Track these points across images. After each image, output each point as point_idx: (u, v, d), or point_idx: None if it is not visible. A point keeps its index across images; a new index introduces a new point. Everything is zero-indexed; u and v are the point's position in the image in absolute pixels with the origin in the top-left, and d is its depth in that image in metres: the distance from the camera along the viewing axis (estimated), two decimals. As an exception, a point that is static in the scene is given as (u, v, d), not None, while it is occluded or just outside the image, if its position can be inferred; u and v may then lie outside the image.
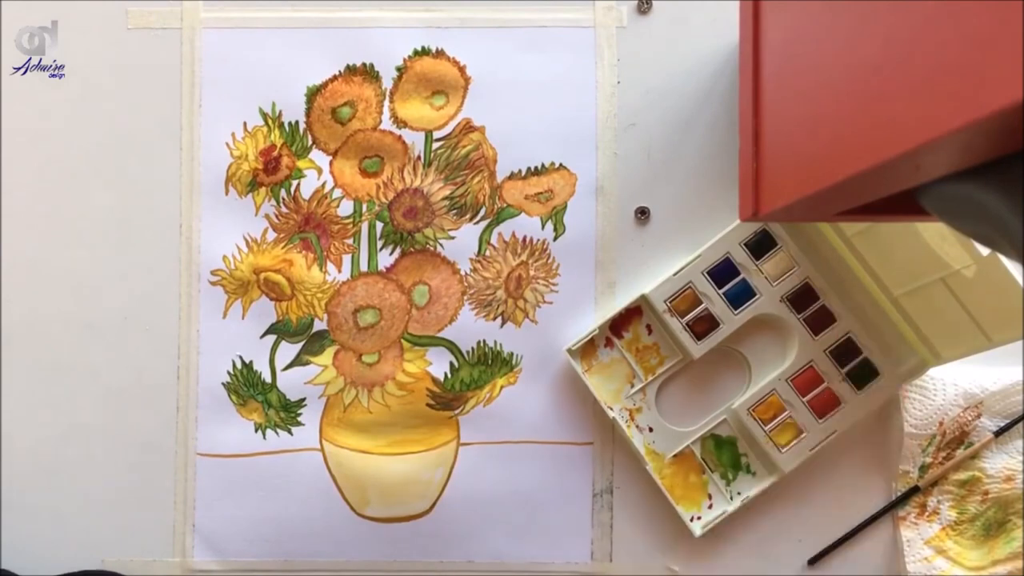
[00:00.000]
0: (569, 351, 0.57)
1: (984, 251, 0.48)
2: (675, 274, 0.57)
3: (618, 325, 0.58)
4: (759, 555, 0.59)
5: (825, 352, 0.57)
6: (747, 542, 0.59)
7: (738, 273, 0.57)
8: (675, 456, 0.58)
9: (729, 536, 0.58)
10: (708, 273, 0.57)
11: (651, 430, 0.58)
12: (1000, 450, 0.58)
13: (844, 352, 0.57)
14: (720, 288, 0.57)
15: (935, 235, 0.51)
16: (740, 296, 0.57)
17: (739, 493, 0.58)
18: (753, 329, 0.58)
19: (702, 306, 0.57)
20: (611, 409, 0.57)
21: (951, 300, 0.52)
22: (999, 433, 0.57)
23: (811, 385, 0.57)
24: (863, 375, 0.57)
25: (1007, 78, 0.22)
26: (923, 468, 0.58)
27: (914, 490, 0.58)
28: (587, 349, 0.58)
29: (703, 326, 0.57)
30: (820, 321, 0.57)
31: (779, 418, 0.57)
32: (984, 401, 0.57)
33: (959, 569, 0.58)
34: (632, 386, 0.58)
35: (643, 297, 0.57)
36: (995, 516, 0.58)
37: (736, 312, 0.57)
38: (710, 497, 0.58)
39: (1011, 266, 0.49)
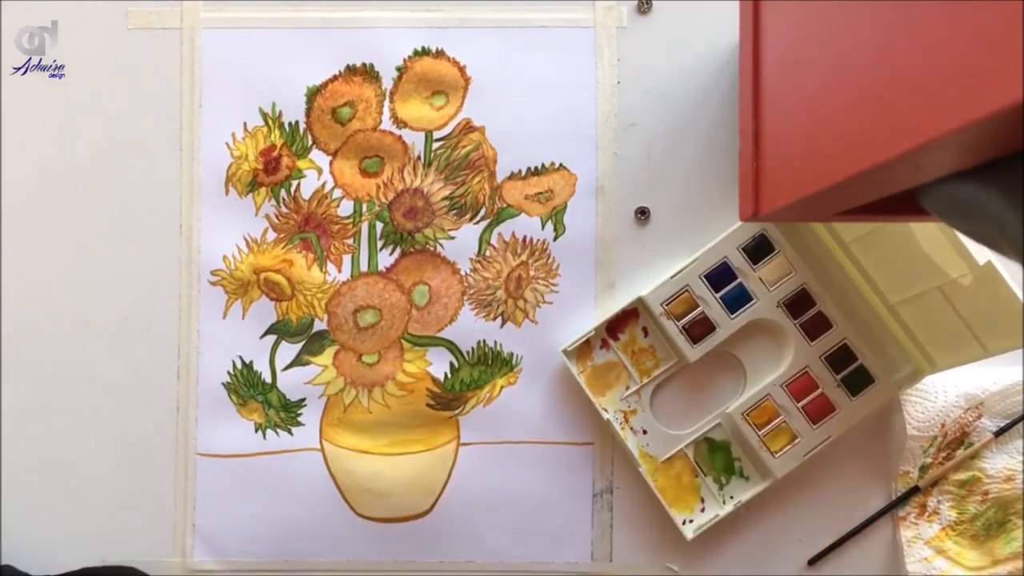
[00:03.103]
0: (565, 352, 0.57)
1: (981, 260, 0.48)
2: (672, 277, 0.57)
3: (614, 327, 0.58)
4: (759, 555, 0.59)
5: (820, 358, 0.57)
6: (747, 542, 0.59)
7: (735, 277, 0.57)
8: (669, 459, 0.58)
9: (729, 536, 0.58)
10: (705, 277, 0.57)
11: (645, 432, 0.58)
12: (1000, 450, 0.58)
13: (839, 358, 0.57)
14: (717, 292, 0.57)
15: (932, 243, 0.51)
16: (737, 300, 0.57)
17: (732, 497, 0.58)
18: (749, 333, 0.58)
19: (699, 309, 0.57)
20: (606, 411, 0.57)
21: (947, 309, 0.52)
22: (999, 433, 0.57)
23: (806, 391, 0.57)
24: (858, 382, 0.57)
25: (1007, 78, 0.22)
26: (923, 468, 0.58)
27: (914, 490, 0.58)
28: (583, 350, 0.58)
29: (699, 329, 0.57)
30: (816, 327, 0.57)
31: (773, 423, 0.57)
32: (984, 402, 0.57)
33: (959, 569, 0.58)
34: (627, 388, 0.58)
35: (640, 299, 0.57)
36: (995, 516, 0.58)
37: (732, 316, 0.57)
38: (702, 500, 0.58)
39: (1009, 271, 0.49)
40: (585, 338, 0.57)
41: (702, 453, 0.58)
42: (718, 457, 0.58)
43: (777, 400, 0.57)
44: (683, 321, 0.57)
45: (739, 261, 0.57)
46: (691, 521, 0.57)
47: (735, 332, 0.57)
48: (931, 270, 0.51)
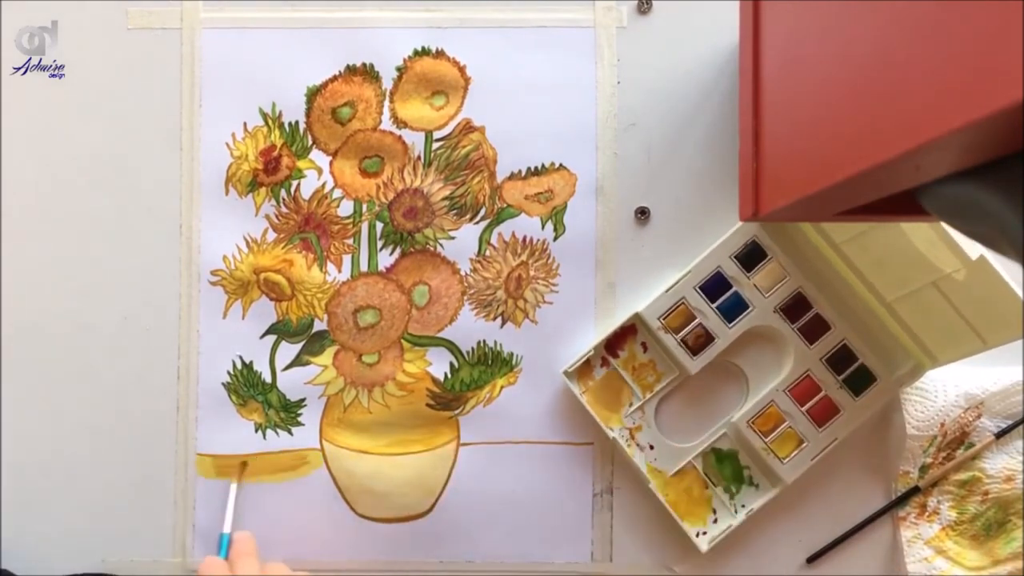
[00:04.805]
0: (566, 373, 0.57)
1: (974, 255, 0.48)
2: (667, 291, 0.57)
3: (613, 344, 0.58)
4: (759, 553, 0.59)
5: (821, 360, 0.57)
6: (748, 542, 0.59)
7: (730, 286, 0.57)
8: (677, 472, 0.58)
9: (730, 536, 0.58)
10: (700, 288, 0.57)
11: (652, 448, 0.58)
12: (1000, 450, 0.58)
13: (840, 359, 0.57)
14: (713, 302, 0.57)
15: (924, 240, 0.51)
16: (733, 309, 0.57)
17: (743, 506, 0.58)
18: (748, 341, 0.58)
19: (696, 321, 0.57)
20: (612, 429, 0.57)
21: (944, 304, 0.52)
22: (1000, 435, 0.57)
23: (809, 394, 0.57)
24: (860, 381, 0.57)
25: (1007, 78, 0.22)
26: (923, 468, 0.58)
27: (914, 490, 0.58)
28: (583, 369, 0.58)
29: (698, 341, 0.57)
30: (814, 330, 0.57)
31: (779, 429, 0.57)
32: (984, 401, 0.57)
33: (959, 569, 0.58)
34: (631, 405, 0.58)
35: (637, 315, 0.57)
36: (995, 516, 0.58)
37: (730, 325, 0.57)
38: (714, 511, 0.58)
39: (1004, 268, 0.49)
40: (585, 358, 0.57)
41: (710, 464, 0.58)
42: (726, 467, 0.58)
43: (781, 406, 0.57)
44: (681, 334, 0.57)
45: (732, 270, 0.57)
46: (704, 533, 0.57)
47: (734, 341, 0.57)
48: (925, 267, 0.51)
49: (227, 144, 0.59)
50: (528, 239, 0.59)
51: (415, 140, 0.59)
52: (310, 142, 0.59)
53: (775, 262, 0.57)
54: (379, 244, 0.59)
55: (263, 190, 0.59)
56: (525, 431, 0.59)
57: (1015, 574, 0.57)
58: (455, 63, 0.59)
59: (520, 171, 0.59)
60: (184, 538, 0.59)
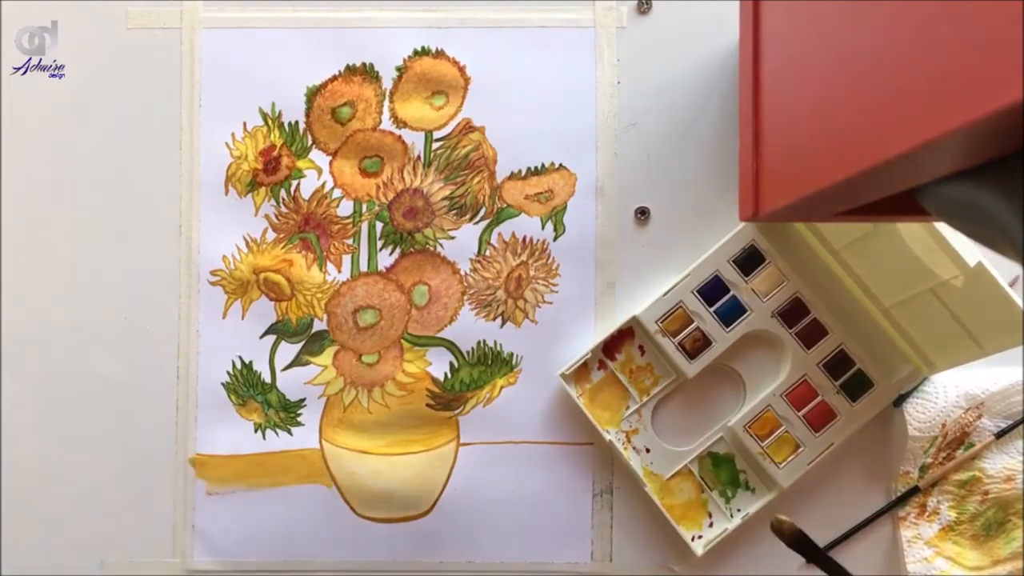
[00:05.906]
0: (563, 376, 0.57)
1: (972, 261, 0.48)
2: (665, 294, 0.57)
3: (610, 347, 0.58)
4: (759, 553, 0.59)
5: (818, 365, 0.57)
6: (746, 541, 0.59)
7: (728, 290, 0.57)
8: (674, 476, 0.58)
9: (729, 536, 0.58)
10: (698, 292, 0.57)
11: (648, 451, 0.58)
12: (1000, 450, 0.58)
13: (837, 365, 0.57)
14: (711, 306, 0.57)
15: (922, 246, 0.51)
16: (731, 313, 0.57)
17: (739, 510, 0.58)
18: (746, 346, 0.58)
19: (693, 325, 0.57)
20: (608, 432, 0.57)
21: (942, 310, 0.52)
22: (1000, 435, 0.57)
23: (806, 399, 0.57)
24: (857, 387, 0.57)
25: (1007, 78, 0.22)
26: (923, 468, 0.58)
27: (914, 490, 0.58)
28: (580, 372, 0.58)
29: (696, 345, 0.57)
30: (812, 335, 0.57)
31: (775, 433, 0.57)
32: (985, 402, 0.57)
33: (959, 569, 0.57)
34: (628, 408, 0.58)
35: (634, 318, 0.57)
36: (995, 516, 0.58)
37: (728, 329, 0.57)
38: (710, 515, 0.58)
39: (1001, 274, 0.49)
40: (582, 360, 0.57)
41: (706, 468, 0.58)
42: (723, 471, 0.58)
43: (778, 410, 0.57)
44: (679, 337, 0.57)
45: (731, 274, 0.57)
46: (700, 537, 0.57)
47: (731, 345, 0.57)
48: (923, 273, 0.51)
49: (227, 144, 0.59)
50: (528, 239, 0.59)
51: (415, 140, 0.59)
52: (310, 142, 0.59)
53: (773, 266, 0.57)
54: (379, 244, 0.59)
55: (263, 190, 0.59)
56: (525, 431, 0.59)
57: (1015, 574, 0.57)
58: (455, 63, 0.59)
59: (520, 171, 0.59)
60: (184, 538, 0.59)
